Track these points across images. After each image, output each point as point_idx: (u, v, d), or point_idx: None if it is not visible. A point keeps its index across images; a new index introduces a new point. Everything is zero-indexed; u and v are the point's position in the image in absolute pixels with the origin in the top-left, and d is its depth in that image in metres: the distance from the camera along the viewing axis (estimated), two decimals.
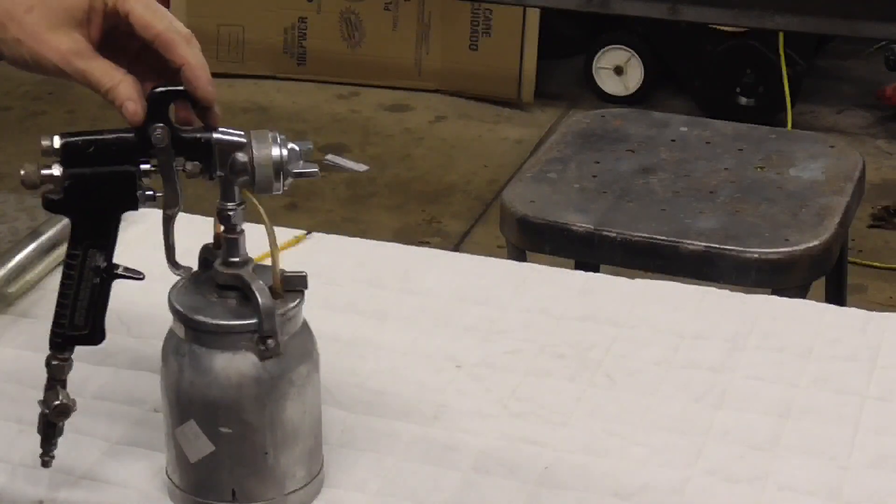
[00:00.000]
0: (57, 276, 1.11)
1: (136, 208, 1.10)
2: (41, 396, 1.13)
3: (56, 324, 1.12)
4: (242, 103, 4.17)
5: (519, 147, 3.91)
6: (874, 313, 1.43)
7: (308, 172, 1.10)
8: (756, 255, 1.90)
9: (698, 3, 3.13)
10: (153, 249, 1.15)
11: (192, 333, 1.10)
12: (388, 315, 1.44)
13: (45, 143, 1.08)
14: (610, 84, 4.16)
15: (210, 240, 1.14)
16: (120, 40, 1.12)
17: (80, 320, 1.11)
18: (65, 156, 1.08)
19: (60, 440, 1.15)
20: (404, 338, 1.40)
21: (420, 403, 1.29)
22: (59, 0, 1.09)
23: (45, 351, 1.12)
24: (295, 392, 1.12)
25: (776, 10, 3.03)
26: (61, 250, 1.13)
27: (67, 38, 1.09)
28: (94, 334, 1.12)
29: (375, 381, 1.32)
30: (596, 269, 2.02)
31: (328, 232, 1.60)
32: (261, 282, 1.09)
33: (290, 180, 1.10)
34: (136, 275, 1.12)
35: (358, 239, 1.61)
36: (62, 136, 1.08)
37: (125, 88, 1.08)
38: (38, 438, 1.15)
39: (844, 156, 2.16)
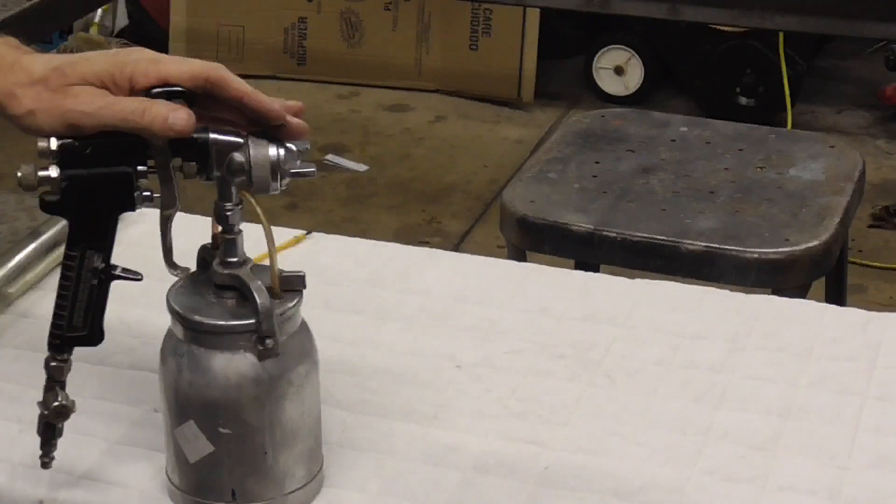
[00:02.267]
0: (57, 276, 1.11)
1: (133, 209, 1.10)
2: (41, 397, 1.13)
3: (54, 325, 1.11)
4: None
5: (519, 147, 3.91)
6: (874, 313, 1.43)
7: (305, 172, 1.10)
8: (756, 255, 1.90)
9: (698, 3, 3.12)
10: (151, 250, 1.15)
11: (191, 334, 1.10)
12: (388, 315, 1.44)
13: (41, 144, 1.08)
14: (610, 84, 4.16)
15: (208, 240, 1.14)
16: None
17: (78, 321, 1.11)
18: (62, 157, 1.07)
19: (60, 440, 1.15)
20: (404, 338, 1.40)
21: (420, 403, 1.29)
22: (72, 66, 1.07)
23: (45, 351, 1.12)
24: (294, 392, 1.12)
25: (776, 10, 3.03)
26: (61, 250, 1.13)
27: (86, 89, 1.07)
28: (93, 335, 1.12)
29: (375, 381, 1.32)
30: (596, 269, 2.02)
31: (328, 232, 1.60)
32: (259, 282, 1.09)
33: (287, 180, 1.10)
34: (134, 275, 1.12)
35: (358, 239, 1.61)
36: (59, 137, 1.08)
37: (160, 106, 1.06)
38: (38, 438, 1.15)
39: (844, 156, 2.16)
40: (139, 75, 1.07)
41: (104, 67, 1.07)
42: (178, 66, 1.08)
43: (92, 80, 1.07)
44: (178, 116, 1.06)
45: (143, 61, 1.08)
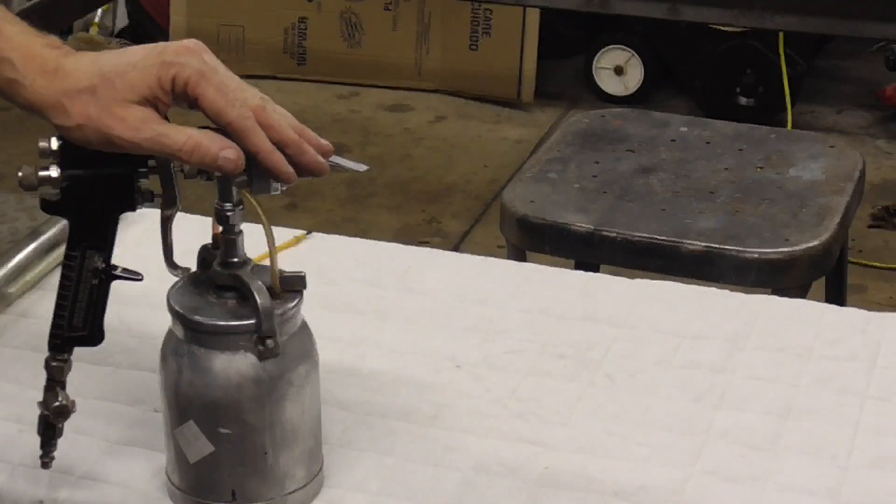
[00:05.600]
0: (57, 276, 1.11)
1: (133, 209, 1.10)
2: (41, 397, 1.13)
3: (55, 325, 1.11)
4: None
5: (519, 147, 3.91)
6: (874, 313, 1.43)
7: None
8: (756, 255, 1.90)
9: (698, 3, 3.12)
10: (152, 250, 1.15)
11: (191, 334, 1.10)
12: (388, 315, 1.44)
13: (42, 144, 1.08)
14: (610, 84, 4.15)
15: (208, 240, 1.14)
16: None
17: (78, 321, 1.11)
18: (62, 157, 1.07)
19: (60, 440, 1.15)
20: (404, 338, 1.40)
21: (420, 403, 1.29)
22: (121, 77, 1.04)
23: (45, 351, 1.12)
24: (294, 392, 1.12)
25: (776, 10, 3.03)
26: (61, 250, 1.13)
27: (134, 110, 1.04)
28: (93, 335, 1.12)
29: (375, 381, 1.32)
30: (596, 269, 2.02)
31: (328, 232, 1.60)
32: (259, 282, 1.09)
33: None
34: (134, 275, 1.12)
35: (358, 239, 1.61)
36: (59, 137, 1.08)
37: (210, 144, 1.04)
38: (38, 438, 1.15)
39: (844, 156, 2.16)
40: (180, 83, 1.04)
41: (153, 75, 1.04)
42: (213, 99, 1.04)
43: (142, 91, 1.04)
44: (228, 158, 1.04)
45: (195, 75, 1.04)
